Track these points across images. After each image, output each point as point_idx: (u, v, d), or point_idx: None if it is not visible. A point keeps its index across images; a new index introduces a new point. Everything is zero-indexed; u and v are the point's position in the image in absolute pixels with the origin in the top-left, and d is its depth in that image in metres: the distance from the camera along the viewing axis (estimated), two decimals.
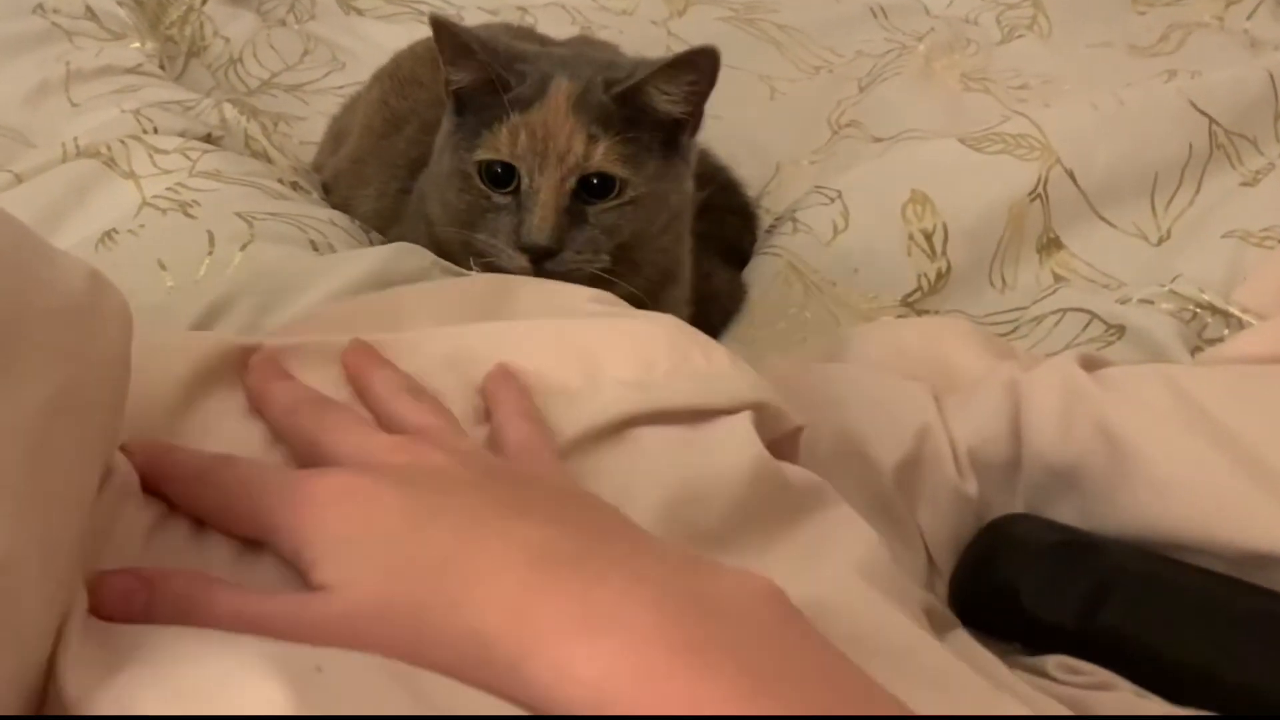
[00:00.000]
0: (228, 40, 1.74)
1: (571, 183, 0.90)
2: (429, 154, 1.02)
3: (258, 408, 0.63)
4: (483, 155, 0.91)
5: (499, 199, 0.92)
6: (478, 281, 0.84)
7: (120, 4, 1.62)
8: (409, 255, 0.90)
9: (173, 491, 0.58)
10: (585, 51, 0.99)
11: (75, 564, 0.52)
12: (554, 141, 0.89)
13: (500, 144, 0.91)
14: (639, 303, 0.87)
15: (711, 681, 0.45)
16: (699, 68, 0.91)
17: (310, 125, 1.51)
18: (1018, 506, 0.85)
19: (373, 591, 0.49)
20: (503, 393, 0.66)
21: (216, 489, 0.57)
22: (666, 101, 0.92)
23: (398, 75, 1.22)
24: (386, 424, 0.62)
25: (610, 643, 0.46)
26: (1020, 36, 1.65)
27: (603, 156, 0.90)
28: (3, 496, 0.46)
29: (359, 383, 0.66)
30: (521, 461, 0.61)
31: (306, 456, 0.60)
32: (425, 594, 0.49)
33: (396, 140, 1.14)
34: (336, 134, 1.35)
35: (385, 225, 1.09)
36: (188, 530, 0.58)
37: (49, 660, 0.48)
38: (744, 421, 0.69)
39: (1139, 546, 0.79)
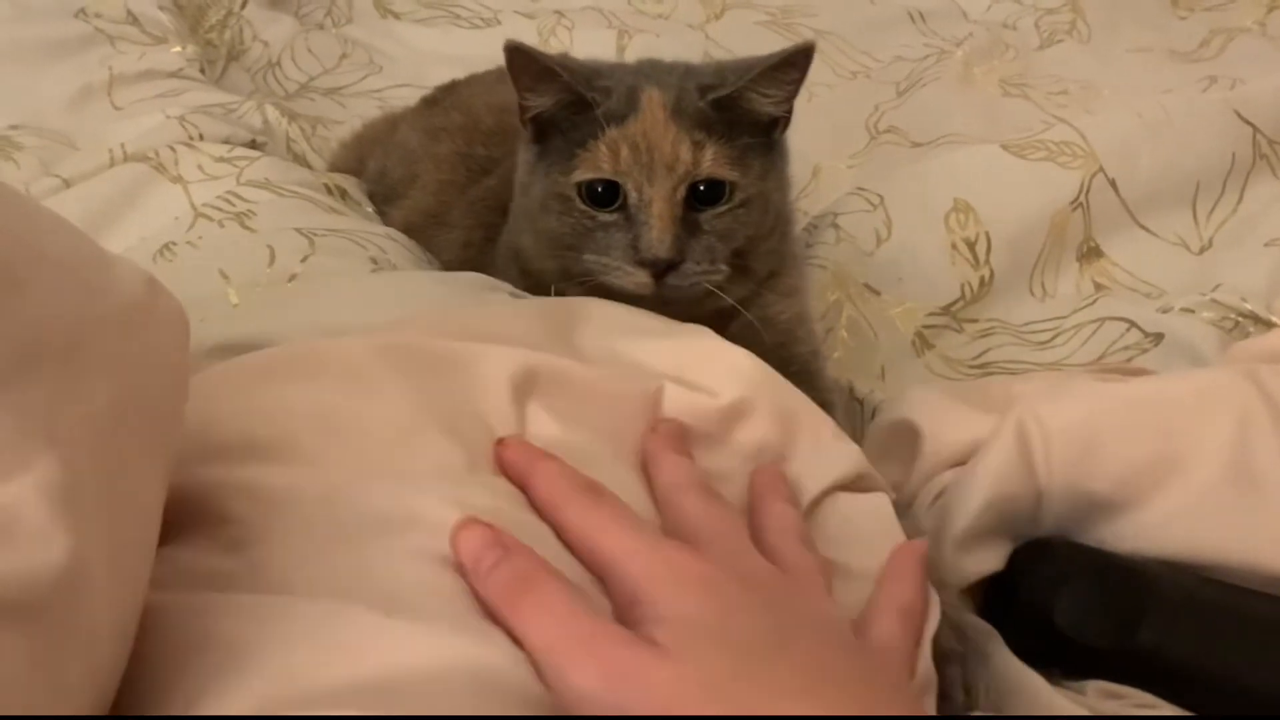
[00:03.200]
0: (266, 44, 1.75)
1: (683, 191, 0.87)
2: None
3: (648, 466, 0.70)
4: (582, 175, 0.88)
5: (605, 217, 0.88)
6: (548, 303, 0.85)
7: (161, 8, 1.63)
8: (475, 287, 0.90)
9: (540, 493, 0.64)
10: (660, 64, 0.97)
11: (144, 567, 0.54)
12: (658, 152, 0.87)
13: (600, 161, 0.88)
14: (746, 306, 0.90)
15: None
16: (798, 66, 0.89)
17: (347, 128, 1.51)
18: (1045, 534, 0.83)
19: (704, 677, 0.53)
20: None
21: (583, 510, 0.63)
22: (766, 103, 0.90)
23: (478, 128, 1.19)
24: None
25: None
26: (1059, 42, 1.65)
27: (711, 162, 0.87)
28: (70, 502, 0.47)
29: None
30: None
31: (673, 526, 0.66)
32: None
33: (484, 183, 1.12)
34: (362, 149, 1.35)
35: (477, 270, 1.05)
36: None
37: None
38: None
39: (1174, 565, 0.77)
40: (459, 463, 0.66)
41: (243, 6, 1.80)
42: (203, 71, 1.58)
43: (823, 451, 0.76)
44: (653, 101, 0.88)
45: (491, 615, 0.57)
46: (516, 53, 0.89)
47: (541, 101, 0.91)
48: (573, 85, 0.89)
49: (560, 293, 0.90)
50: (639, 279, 0.86)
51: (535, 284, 0.92)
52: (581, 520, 0.62)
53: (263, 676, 0.51)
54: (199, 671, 0.52)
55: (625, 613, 0.58)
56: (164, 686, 0.52)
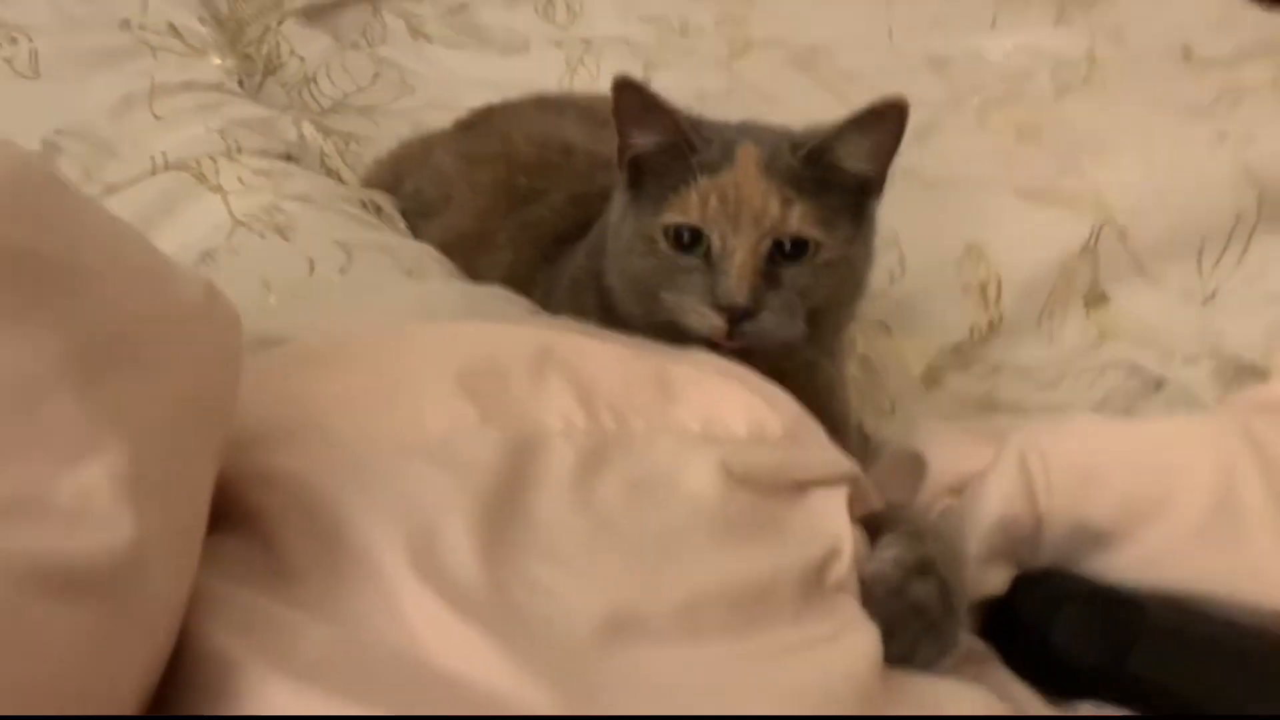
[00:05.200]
0: (303, 60, 1.79)
1: (766, 245, 0.89)
2: (576, 227, 1.04)
3: None
4: (670, 219, 0.91)
5: (686, 261, 0.91)
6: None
7: (202, 21, 1.67)
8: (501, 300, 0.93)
9: None
10: (758, 124, 0.98)
11: (196, 553, 0.58)
12: (747, 205, 0.89)
13: (689, 208, 0.90)
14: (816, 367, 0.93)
15: None
16: (886, 120, 0.90)
17: (379, 146, 1.55)
18: (1043, 563, 0.88)
19: None
20: None
21: None
22: (854, 159, 0.91)
23: (517, 159, 1.20)
24: None
25: None
26: (1075, 93, 1.68)
27: (799, 219, 0.89)
28: (136, 488, 0.51)
29: None
30: None
31: None
32: None
33: (533, 210, 1.14)
34: (398, 168, 1.39)
35: (520, 292, 1.07)
36: None
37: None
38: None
39: (1167, 597, 0.81)
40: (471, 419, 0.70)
41: (280, 23, 1.84)
42: (241, 84, 1.62)
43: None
44: (747, 155, 0.91)
45: None
46: (627, 89, 0.91)
47: (645, 141, 0.92)
48: (680, 128, 0.91)
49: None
50: (713, 322, 0.89)
51: (622, 329, 0.91)
52: None
53: None
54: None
55: None
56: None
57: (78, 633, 0.47)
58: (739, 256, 0.88)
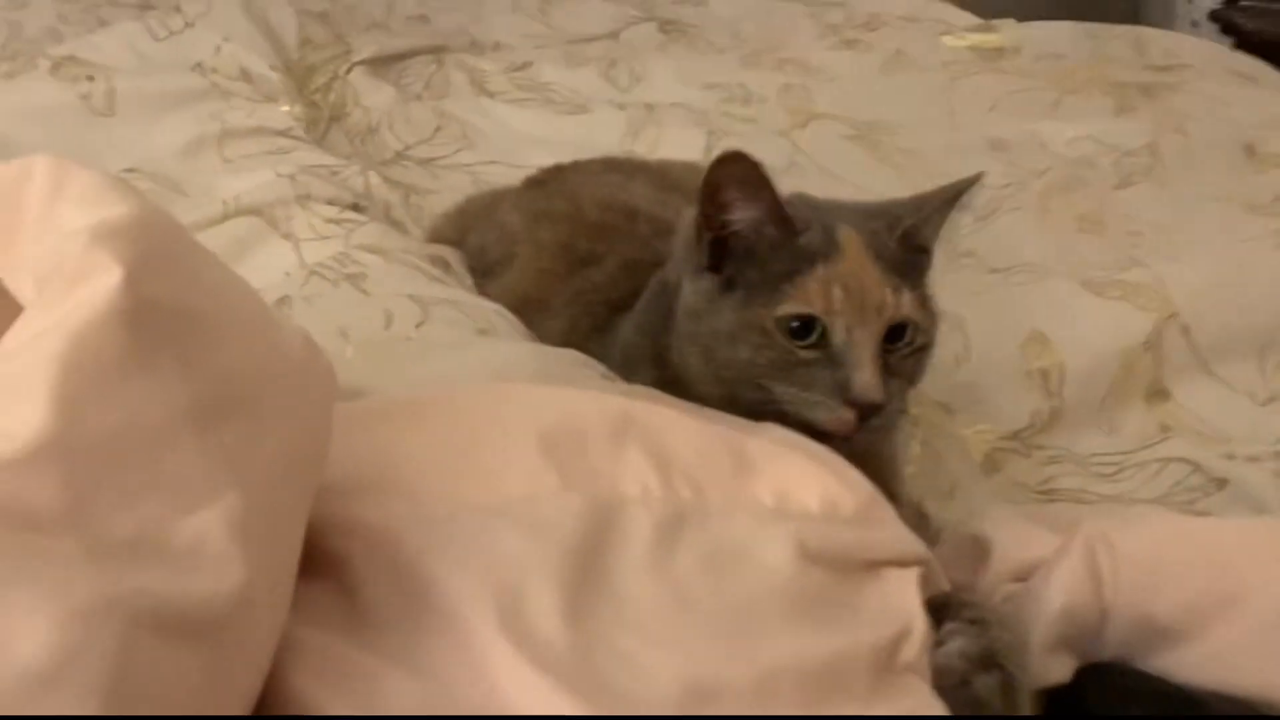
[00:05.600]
0: (367, 110, 1.81)
1: (882, 334, 0.88)
2: (629, 295, 1.03)
3: None
4: (791, 309, 0.88)
5: (806, 354, 0.88)
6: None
7: (272, 68, 1.70)
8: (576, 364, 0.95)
9: None
10: (834, 200, 0.99)
11: (289, 598, 0.59)
12: (869, 295, 0.88)
13: (811, 298, 0.88)
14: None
15: None
16: (963, 197, 0.92)
17: (440, 199, 1.57)
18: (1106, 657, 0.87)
19: None
20: None
21: None
22: (931, 236, 0.92)
23: (581, 220, 1.19)
24: None
25: None
26: (1137, 184, 1.68)
27: (909, 305, 0.89)
28: (246, 535, 0.53)
29: None
30: None
31: None
32: None
33: (590, 276, 1.13)
34: (464, 223, 1.39)
35: None
36: None
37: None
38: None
39: (1232, 699, 0.81)
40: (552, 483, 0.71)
41: (348, 72, 1.87)
42: (307, 131, 1.64)
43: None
44: (853, 242, 0.90)
45: None
46: (736, 161, 0.88)
47: (743, 218, 0.90)
48: (784, 210, 0.89)
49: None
50: (844, 417, 0.87)
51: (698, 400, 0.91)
52: None
53: None
54: None
55: None
56: None
57: (188, 673, 0.49)
58: (868, 350, 0.87)
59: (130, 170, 1.42)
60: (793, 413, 0.88)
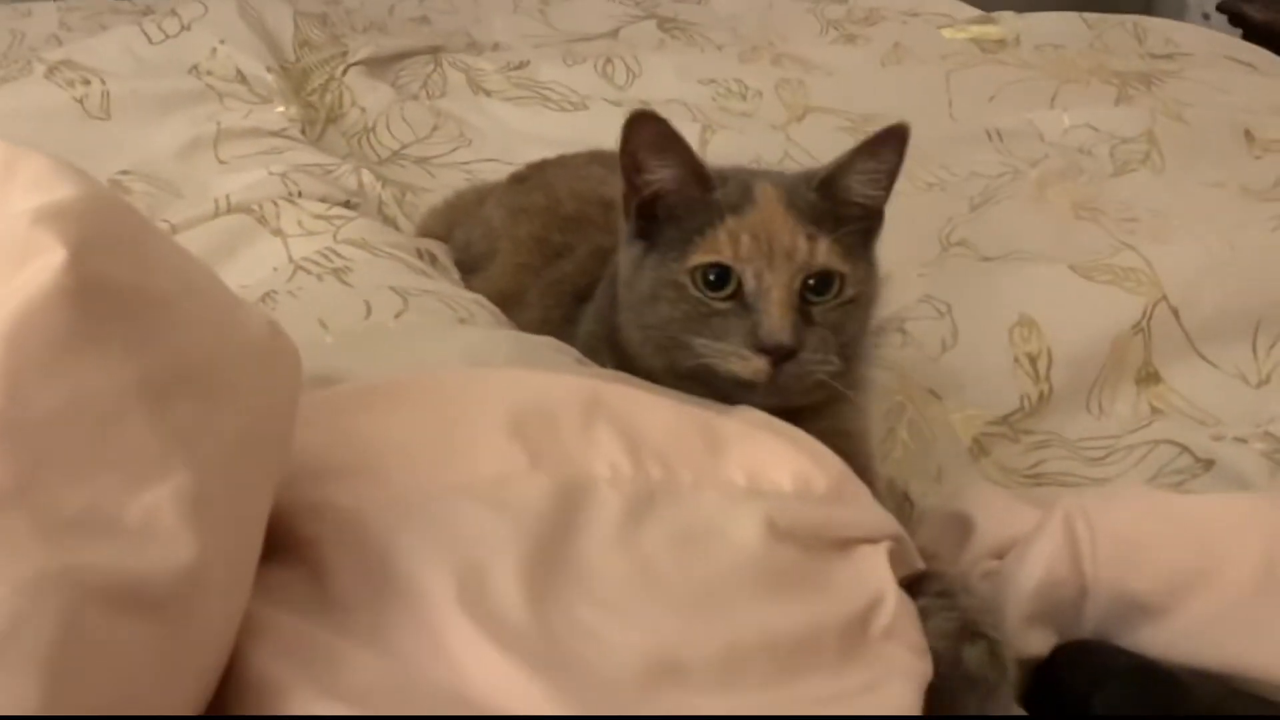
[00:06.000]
0: (364, 110, 1.82)
1: (799, 281, 0.88)
2: (595, 283, 1.03)
3: None
4: (699, 259, 0.89)
5: (719, 304, 0.88)
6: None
7: (269, 70, 1.71)
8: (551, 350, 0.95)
9: None
10: (761, 169, 0.99)
11: (250, 579, 0.60)
12: (777, 241, 0.87)
13: (720, 247, 0.88)
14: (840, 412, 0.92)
15: None
16: (892, 144, 0.92)
17: (435, 197, 1.57)
18: (1086, 634, 0.87)
19: None
20: None
21: None
22: (864, 184, 0.92)
23: (557, 212, 1.21)
24: None
25: None
26: (1133, 171, 1.67)
27: (825, 253, 0.88)
28: (199, 512, 0.53)
29: None
30: None
31: None
32: None
33: (560, 266, 1.14)
34: (451, 218, 1.40)
35: None
36: None
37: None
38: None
39: (1209, 674, 0.81)
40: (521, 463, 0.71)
41: (344, 73, 1.88)
42: (303, 132, 1.65)
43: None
44: (768, 194, 0.90)
45: None
46: (646, 121, 0.90)
47: (660, 177, 0.91)
48: (698, 164, 0.91)
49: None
50: (756, 365, 0.86)
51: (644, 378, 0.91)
52: None
53: None
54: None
55: None
56: None
57: (139, 646, 0.49)
58: (776, 294, 0.87)
59: (125, 172, 1.43)
60: (714, 367, 0.88)
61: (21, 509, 0.49)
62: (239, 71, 1.69)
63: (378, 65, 1.94)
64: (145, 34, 1.78)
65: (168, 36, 1.77)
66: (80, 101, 1.57)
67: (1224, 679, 0.80)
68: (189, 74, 1.66)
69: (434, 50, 2.05)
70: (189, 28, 1.79)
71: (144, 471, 0.52)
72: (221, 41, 1.76)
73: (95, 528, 0.50)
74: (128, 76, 1.64)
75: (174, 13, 1.83)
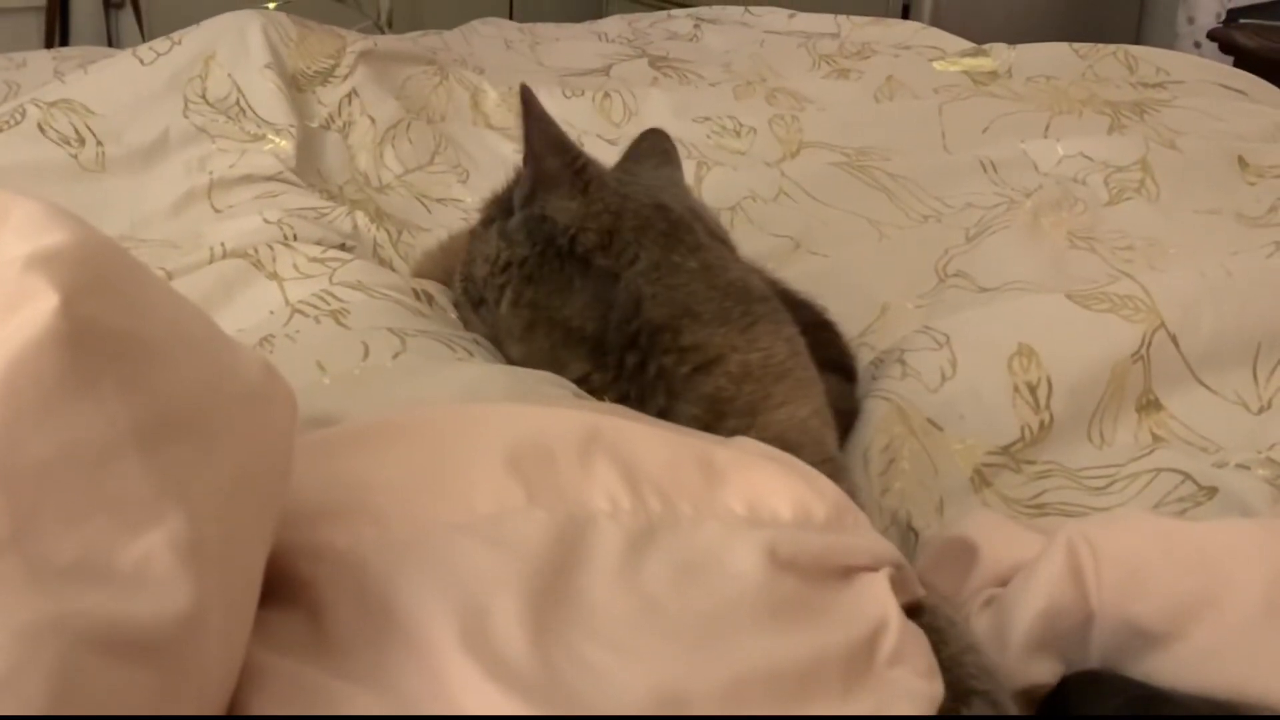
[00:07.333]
0: (373, 120, 1.82)
1: None
2: None
3: None
4: None
5: None
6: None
7: (263, 74, 1.72)
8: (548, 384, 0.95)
9: None
10: None
11: (248, 624, 0.59)
12: None
13: None
14: None
15: None
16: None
17: (430, 239, 1.57)
18: (1093, 661, 0.86)
19: None
20: None
21: None
22: None
23: None
24: None
25: None
26: (1128, 199, 1.67)
27: None
28: (195, 557, 0.53)
29: None
30: None
31: None
32: None
33: None
34: (448, 260, 1.39)
35: None
36: None
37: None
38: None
39: (1216, 704, 0.80)
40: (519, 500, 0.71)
41: (345, 80, 1.88)
42: (298, 150, 1.65)
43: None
44: None
45: None
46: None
47: None
48: None
49: None
50: None
51: None
52: None
53: None
54: None
55: None
56: None
57: (136, 693, 0.48)
58: None
59: (123, 238, 1.44)
60: None
61: (15, 556, 0.48)
62: (237, 89, 1.70)
63: (383, 69, 1.96)
64: (138, 58, 1.78)
65: (159, 55, 1.77)
66: (74, 158, 1.58)
67: (1233, 705, 0.79)
68: (181, 103, 1.66)
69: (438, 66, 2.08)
70: (180, 43, 1.78)
71: (138, 517, 0.52)
72: (212, 55, 1.76)
73: (90, 574, 0.50)
74: (120, 116, 1.64)
75: (167, 37, 1.83)
